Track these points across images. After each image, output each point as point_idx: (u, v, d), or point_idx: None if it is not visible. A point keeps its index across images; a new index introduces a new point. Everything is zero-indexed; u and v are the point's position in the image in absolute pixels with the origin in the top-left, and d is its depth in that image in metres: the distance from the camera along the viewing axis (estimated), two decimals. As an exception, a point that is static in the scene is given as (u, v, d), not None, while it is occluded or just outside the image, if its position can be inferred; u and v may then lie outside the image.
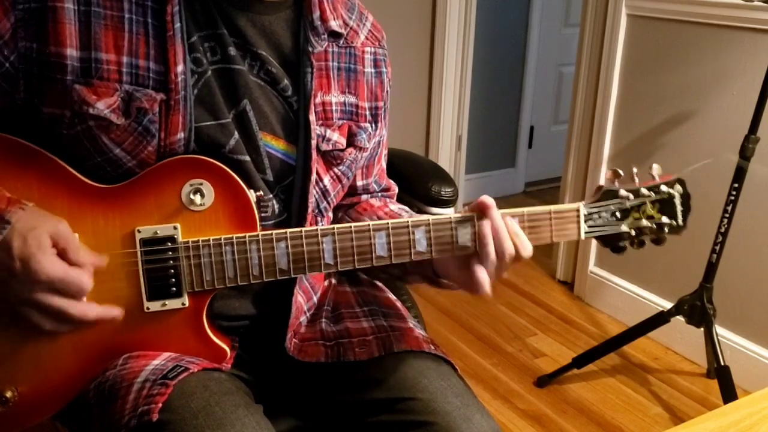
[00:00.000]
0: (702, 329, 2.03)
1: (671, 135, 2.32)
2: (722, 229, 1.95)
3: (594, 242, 2.64)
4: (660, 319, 2.09)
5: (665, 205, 1.00)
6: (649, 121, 2.38)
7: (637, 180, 1.00)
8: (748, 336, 2.20)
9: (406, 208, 1.18)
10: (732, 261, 2.13)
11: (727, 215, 1.93)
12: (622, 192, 0.98)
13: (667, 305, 2.25)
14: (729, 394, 1.90)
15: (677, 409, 2.12)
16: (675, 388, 2.22)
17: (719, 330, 2.09)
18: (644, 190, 0.99)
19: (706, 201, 2.14)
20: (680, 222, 1.02)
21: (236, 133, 0.97)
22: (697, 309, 2.01)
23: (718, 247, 1.97)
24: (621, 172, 0.99)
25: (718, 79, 2.16)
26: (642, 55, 2.38)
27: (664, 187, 1.00)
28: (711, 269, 1.99)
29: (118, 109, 0.91)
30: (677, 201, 1.01)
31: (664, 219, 1.00)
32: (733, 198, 1.92)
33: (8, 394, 0.93)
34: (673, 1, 2.23)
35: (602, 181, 1.01)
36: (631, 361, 2.34)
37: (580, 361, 2.19)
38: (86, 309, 0.88)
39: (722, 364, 1.94)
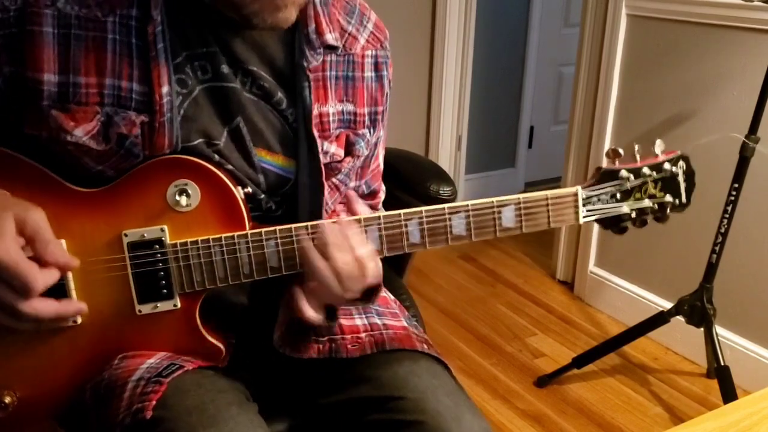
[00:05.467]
0: (702, 329, 2.02)
1: (671, 135, 2.32)
2: (722, 229, 1.94)
3: (594, 242, 2.65)
4: (660, 319, 2.09)
5: (668, 183, 0.97)
6: (649, 121, 2.38)
7: (638, 158, 0.97)
8: (748, 336, 2.19)
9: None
10: (732, 261, 2.12)
11: (727, 215, 1.93)
12: (623, 173, 0.95)
13: (667, 305, 2.25)
14: (729, 394, 1.90)
15: (677, 409, 2.11)
16: (675, 388, 2.21)
17: (719, 330, 2.08)
18: (646, 170, 0.96)
19: (705, 201, 2.14)
20: (684, 200, 0.99)
21: (229, 151, 0.96)
22: (697, 309, 2.01)
23: (718, 247, 1.96)
24: (621, 151, 0.95)
25: (718, 79, 2.15)
26: (642, 55, 2.37)
27: (666, 165, 0.97)
28: (711, 269, 1.99)
29: (97, 135, 0.89)
30: (680, 178, 0.98)
31: (667, 197, 0.97)
32: (733, 198, 1.91)
33: (7, 400, 0.94)
34: (673, 1, 2.23)
35: (603, 162, 0.98)
36: (631, 361, 2.34)
37: (580, 361, 2.19)
38: (39, 306, 0.83)
39: (722, 364, 1.93)
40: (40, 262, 0.83)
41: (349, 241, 0.90)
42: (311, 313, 0.93)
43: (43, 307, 0.84)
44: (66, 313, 0.88)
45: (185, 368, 0.92)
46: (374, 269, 0.92)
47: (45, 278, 0.83)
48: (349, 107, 1.04)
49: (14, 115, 0.91)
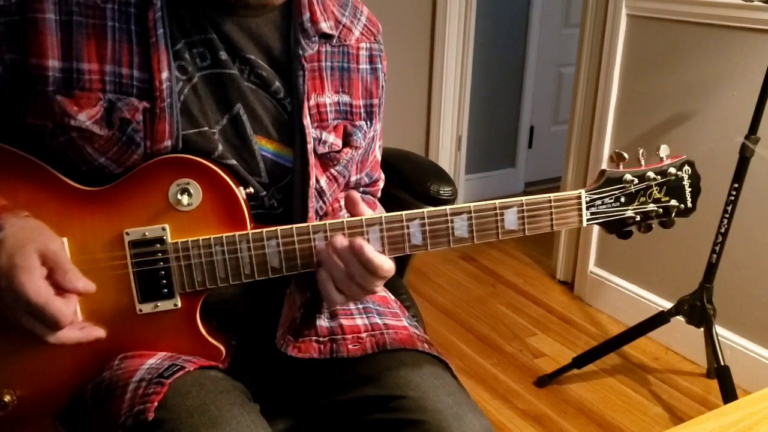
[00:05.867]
0: (702, 329, 2.02)
1: (671, 135, 2.32)
2: (722, 229, 1.94)
3: (594, 242, 2.65)
4: (660, 319, 2.09)
5: (673, 187, 0.97)
6: (649, 122, 2.38)
7: (643, 162, 0.96)
8: (748, 336, 2.19)
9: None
10: (732, 261, 2.12)
11: (727, 215, 1.93)
12: (627, 176, 0.95)
13: (667, 305, 2.25)
14: (729, 394, 1.90)
15: (677, 409, 2.11)
16: (675, 388, 2.21)
17: (719, 330, 2.08)
18: (650, 174, 0.96)
19: (706, 201, 2.13)
20: (689, 204, 0.98)
21: (228, 138, 0.97)
22: (697, 309, 2.01)
23: (718, 247, 1.96)
24: (626, 154, 0.95)
25: (718, 79, 2.15)
26: (642, 55, 2.37)
27: (672, 170, 0.97)
28: (711, 269, 1.99)
29: (100, 120, 0.90)
30: (686, 183, 0.98)
31: (672, 202, 0.97)
32: (733, 198, 1.91)
33: (7, 399, 0.94)
34: (673, 1, 2.23)
35: (605, 165, 0.98)
36: (631, 361, 2.34)
37: (580, 361, 2.19)
38: (63, 337, 0.86)
39: (722, 364, 1.93)
40: (59, 288, 0.85)
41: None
42: (337, 297, 0.93)
43: (68, 337, 0.87)
44: (87, 340, 0.89)
45: (186, 369, 0.91)
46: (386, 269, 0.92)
47: (70, 309, 0.85)
48: (345, 98, 1.05)
49: (16, 105, 0.91)
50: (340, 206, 1.14)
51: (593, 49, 2.54)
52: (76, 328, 0.88)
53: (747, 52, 2.06)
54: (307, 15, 1.00)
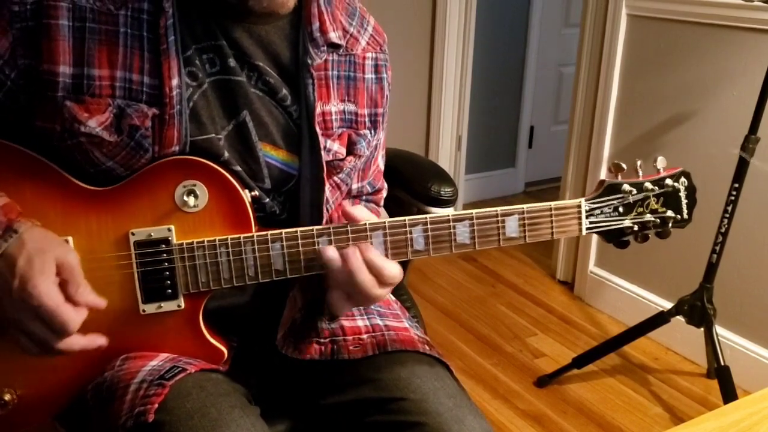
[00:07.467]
0: (702, 329, 2.03)
1: (671, 135, 2.32)
2: (722, 229, 1.94)
3: (594, 242, 2.65)
4: (660, 319, 2.09)
5: (669, 198, 0.99)
6: (649, 122, 2.38)
7: (640, 173, 0.98)
8: (748, 336, 2.19)
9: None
10: (732, 261, 2.12)
11: (727, 215, 1.93)
12: (625, 186, 0.97)
13: (667, 305, 2.25)
14: (729, 394, 1.90)
15: (677, 409, 2.11)
16: (675, 388, 2.21)
17: (719, 330, 2.08)
18: (648, 184, 0.98)
19: (706, 201, 2.13)
20: (685, 215, 1.00)
21: (233, 144, 0.97)
22: (697, 309, 2.01)
23: (718, 247, 1.96)
24: (624, 165, 0.97)
25: (718, 79, 2.16)
26: (642, 55, 2.37)
27: (668, 181, 0.98)
28: (711, 269, 1.99)
29: (110, 126, 0.90)
30: (682, 194, 0.99)
31: (669, 213, 0.99)
32: (733, 198, 1.91)
33: (7, 397, 0.94)
34: (673, 1, 2.23)
35: (604, 175, 1.00)
36: (631, 361, 2.34)
37: (580, 361, 2.19)
38: (70, 343, 0.87)
39: (722, 364, 1.94)
40: (69, 301, 0.85)
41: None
42: (345, 308, 0.95)
43: (74, 343, 0.87)
44: (90, 348, 0.89)
45: (187, 371, 0.92)
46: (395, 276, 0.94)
47: (79, 318, 0.86)
48: (351, 107, 1.05)
49: (26, 109, 0.91)
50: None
51: (593, 49, 2.54)
52: (79, 334, 0.88)
53: (747, 52, 2.06)
54: (316, 24, 1.00)
